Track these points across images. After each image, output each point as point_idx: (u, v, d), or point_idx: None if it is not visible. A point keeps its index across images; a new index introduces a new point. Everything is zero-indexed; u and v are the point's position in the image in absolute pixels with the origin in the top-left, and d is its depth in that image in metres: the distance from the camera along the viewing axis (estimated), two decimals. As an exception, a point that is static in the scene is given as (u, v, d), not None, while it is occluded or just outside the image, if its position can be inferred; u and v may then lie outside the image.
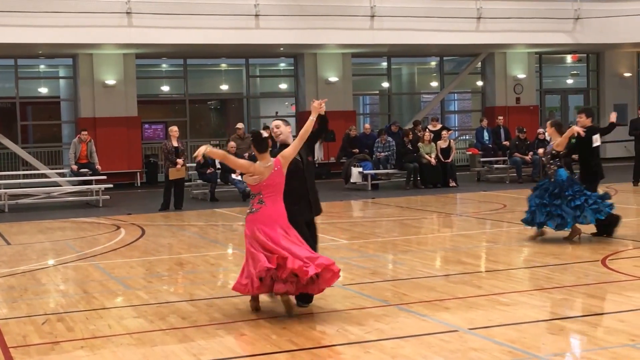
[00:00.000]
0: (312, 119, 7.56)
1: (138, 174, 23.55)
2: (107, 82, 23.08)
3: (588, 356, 6.12)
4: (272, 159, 7.41)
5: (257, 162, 7.39)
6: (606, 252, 10.05)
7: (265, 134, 7.95)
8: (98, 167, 19.45)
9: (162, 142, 18.58)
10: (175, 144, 16.81)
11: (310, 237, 7.77)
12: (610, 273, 8.84)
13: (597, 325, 6.75)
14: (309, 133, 7.55)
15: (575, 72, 30.76)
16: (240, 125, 20.96)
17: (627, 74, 28.97)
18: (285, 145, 7.72)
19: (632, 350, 5.93)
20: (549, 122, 12.02)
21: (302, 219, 7.68)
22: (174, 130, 17.07)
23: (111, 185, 18.78)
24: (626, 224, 13.12)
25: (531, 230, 11.64)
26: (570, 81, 30.96)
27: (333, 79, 25.26)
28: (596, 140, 11.89)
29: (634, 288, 8.03)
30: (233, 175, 18.64)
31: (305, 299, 7.60)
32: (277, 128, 7.90)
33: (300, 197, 7.67)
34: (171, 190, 16.86)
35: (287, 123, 7.98)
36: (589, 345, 6.39)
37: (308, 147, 7.80)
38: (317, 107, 7.61)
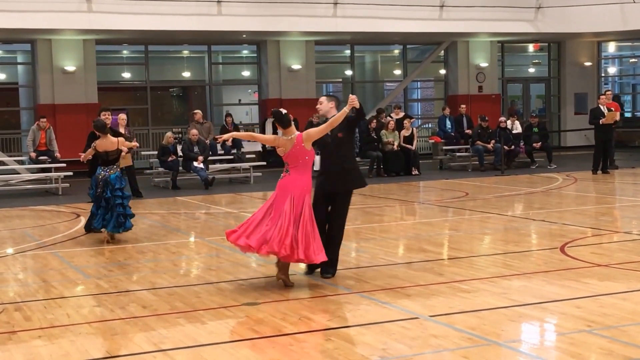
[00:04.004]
0: (346, 110, 8.12)
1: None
2: (66, 68, 22.82)
3: (546, 342, 6.23)
4: (296, 133, 8.16)
5: (282, 136, 8.21)
6: (565, 240, 10.19)
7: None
8: (57, 154, 19.24)
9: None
10: (122, 131, 16.64)
11: (332, 209, 8.34)
12: (568, 260, 8.97)
13: (555, 311, 6.86)
14: (339, 122, 8.13)
15: (536, 61, 31.03)
16: (197, 111, 20.83)
17: (587, 63, 29.30)
18: (325, 119, 8.41)
19: (588, 336, 6.03)
20: None
21: (321, 190, 8.36)
22: (121, 118, 16.84)
23: (71, 173, 18.59)
24: (585, 212, 13.34)
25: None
26: (531, 70, 31.23)
27: (296, 66, 25.23)
28: None
29: (591, 275, 8.17)
30: (195, 163, 18.57)
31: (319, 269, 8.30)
32: (320, 104, 8.54)
33: (324, 170, 8.43)
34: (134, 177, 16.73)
35: (331, 99, 8.55)
36: (547, 332, 6.50)
37: (347, 126, 8.32)
38: (352, 102, 8.12)
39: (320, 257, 7.89)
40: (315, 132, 8.18)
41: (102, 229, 11.33)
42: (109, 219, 11.12)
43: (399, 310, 6.99)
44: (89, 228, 11.95)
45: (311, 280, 8.38)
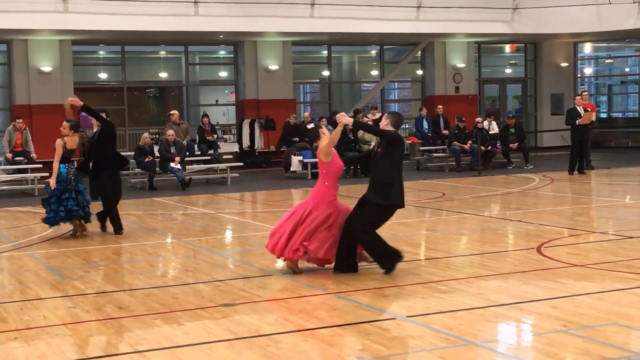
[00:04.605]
0: (338, 129, 8.66)
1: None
2: (42, 68, 22.66)
3: (523, 342, 6.26)
4: (320, 145, 8.71)
5: None
6: (541, 240, 10.25)
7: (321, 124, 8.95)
8: (33, 155, 19.11)
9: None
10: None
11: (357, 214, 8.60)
12: (545, 260, 9.02)
13: (532, 311, 6.89)
14: (336, 137, 8.72)
15: (513, 61, 31.20)
16: (173, 111, 20.75)
17: (564, 64, 29.50)
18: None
19: (564, 336, 6.07)
20: None
21: (361, 197, 8.70)
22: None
23: (47, 174, 18.42)
24: (561, 212, 13.43)
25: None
26: (508, 71, 31.40)
27: (273, 67, 25.21)
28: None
29: (567, 275, 8.22)
30: (172, 164, 18.51)
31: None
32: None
33: (369, 182, 8.67)
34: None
35: (387, 117, 8.84)
36: (523, 332, 6.54)
37: (386, 143, 8.60)
38: (338, 121, 8.62)
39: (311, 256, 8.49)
40: (323, 146, 8.65)
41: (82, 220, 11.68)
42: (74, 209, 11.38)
43: (377, 311, 7.00)
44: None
45: (288, 282, 8.37)
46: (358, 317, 6.83)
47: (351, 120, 8.76)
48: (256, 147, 24.43)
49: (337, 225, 8.52)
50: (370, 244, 8.53)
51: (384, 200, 8.49)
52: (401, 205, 8.66)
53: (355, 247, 8.57)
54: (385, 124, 8.73)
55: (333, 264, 8.56)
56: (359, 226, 8.44)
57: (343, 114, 8.85)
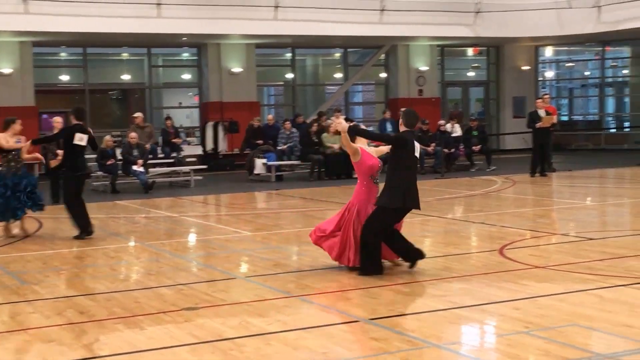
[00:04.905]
0: (343, 134, 8.76)
1: (36, 165, 22.90)
2: (2, 70, 22.38)
3: (485, 344, 6.29)
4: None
5: None
6: (504, 242, 10.31)
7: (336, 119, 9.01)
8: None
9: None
10: None
11: None
12: (507, 262, 9.08)
13: (494, 313, 6.93)
14: (345, 142, 8.85)
15: (476, 64, 31.44)
16: (137, 114, 20.59)
17: (525, 67, 29.78)
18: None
19: (526, 337, 6.11)
20: None
21: None
22: (57, 121, 16.52)
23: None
24: (523, 214, 13.53)
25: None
26: (471, 74, 31.63)
27: (237, 69, 25.14)
28: None
29: (529, 276, 8.28)
30: (134, 167, 18.37)
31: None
32: None
33: None
34: (58, 181, 16.42)
35: (402, 117, 8.83)
36: (486, 333, 6.56)
37: (391, 147, 8.74)
38: (333, 128, 8.88)
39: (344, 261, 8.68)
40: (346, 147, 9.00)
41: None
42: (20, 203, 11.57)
43: (340, 314, 7.00)
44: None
45: (251, 285, 8.34)
46: (321, 320, 6.82)
47: (347, 126, 8.71)
48: (220, 149, 24.35)
49: (348, 226, 8.62)
50: (364, 243, 8.51)
51: (386, 203, 8.49)
52: (403, 208, 8.55)
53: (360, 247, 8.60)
54: (400, 122, 8.79)
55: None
56: (365, 228, 8.48)
57: (340, 120, 8.91)
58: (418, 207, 8.65)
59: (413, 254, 8.70)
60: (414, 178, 8.60)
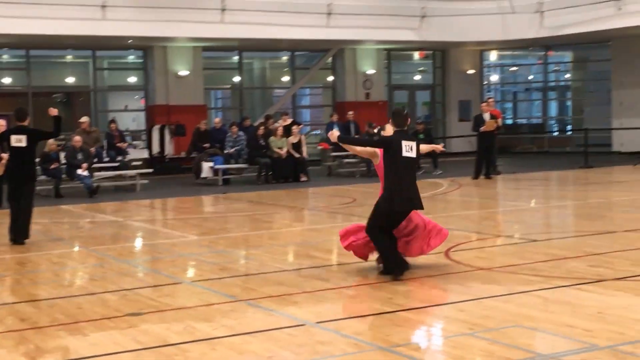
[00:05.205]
0: (345, 145, 9.02)
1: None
2: (-58, 72, 21.90)
3: (431, 346, 6.31)
4: None
5: None
6: (449, 245, 10.35)
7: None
8: None
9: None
10: None
11: None
12: (452, 264, 9.14)
13: (439, 315, 6.97)
14: (349, 148, 9.12)
15: (422, 68, 31.68)
16: (84, 119, 20.29)
17: (471, 71, 30.10)
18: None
19: (470, 339, 6.15)
20: None
21: None
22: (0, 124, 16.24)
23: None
24: (468, 217, 13.66)
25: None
26: (417, 77, 31.85)
27: (183, 72, 24.96)
28: None
29: (474, 278, 8.35)
30: (79, 171, 18.10)
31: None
32: None
33: None
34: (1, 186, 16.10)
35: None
36: (431, 335, 6.59)
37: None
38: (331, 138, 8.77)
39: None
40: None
41: None
42: None
43: (286, 317, 6.97)
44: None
45: (196, 289, 8.27)
46: (267, 324, 6.78)
47: (337, 136, 8.73)
48: (166, 153, 24.14)
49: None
50: (375, 247, 8.59)
51: (377, 206, 8.53)
52: (388, 210, 8.44)
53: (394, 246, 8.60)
54: (390, 124, 8.78)
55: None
56: (366, 230, 8.58)
57: (332, 131, 8.85)
58: (410, 208, 8.48)
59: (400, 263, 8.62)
60: (407, 179, 8.42)
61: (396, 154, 8.40)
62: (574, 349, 5.81)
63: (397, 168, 8.41)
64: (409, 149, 8.44)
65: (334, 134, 8.75)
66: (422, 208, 8.60)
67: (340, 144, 8.89)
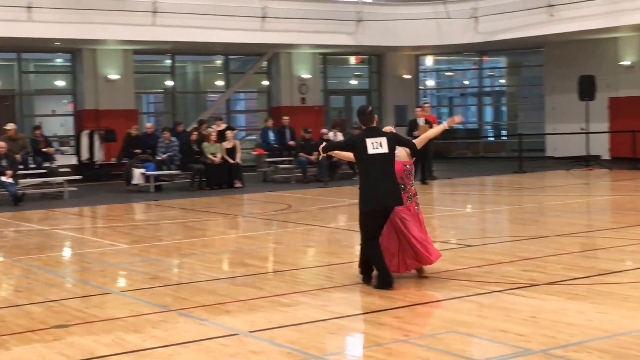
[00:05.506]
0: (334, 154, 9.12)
1: None
2: None
3: (365, 353, 6.33)
4: None
5: None
6: (385, 250, 10.44)
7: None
8: None
9: None
10: None
11: None
12: (388, 270, 9.18)
13: (374, 322, 7.00)
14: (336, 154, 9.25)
15: (358, 73, 31.87)
16: (9, 125, 19.88)
17: (406, 76, 30.38)
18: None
19: (405, 345, 6.19)
20: None
21: None
22: None
23: None
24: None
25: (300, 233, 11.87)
26: (353, 82, 32.04)
27: (114, 76, 24.66)
28: None
29: (409, 284, 8.33)
30: (3, 178, 17.72)
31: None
32: None
33: None
34: None
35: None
36: (366, 343, 6.62)
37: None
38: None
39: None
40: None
41: None
42: None
43: (218, 327, 6.92)
44: None
45: (126, 299, 8.17)
46: (199, 334, 6.73)
47: (321, 146, 8.77)
48: (96, 159, 23.81)
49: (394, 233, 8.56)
50: (367, 253, 8.45)
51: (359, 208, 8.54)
52: (363, 210, 8.42)
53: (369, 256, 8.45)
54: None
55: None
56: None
57: (323, 144, 8.83)
58: (382, 206, 8.33)
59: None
60: (379, 177, 8.28)
61: (362, 153, 8.36)
62: (508, 354, 5.90)
63: (366, 167, 8.38)
64: (377, 145, 8.34)
65: (322, 146, 8.75)
66: (398, 204, 8.39)
67: (327, 153, 8.88)
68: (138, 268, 10.00)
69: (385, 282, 8.18)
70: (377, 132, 8.47)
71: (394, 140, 8.45)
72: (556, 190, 18.78)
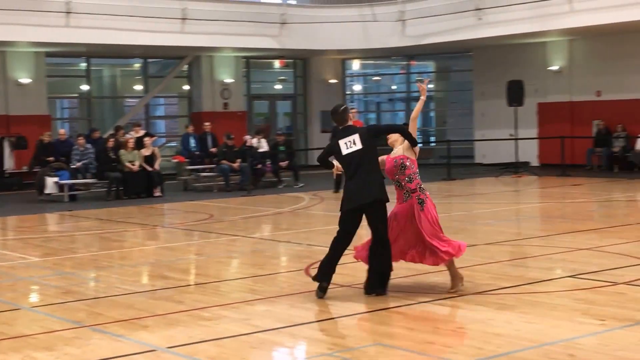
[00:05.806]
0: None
1: None
2: None
3: (288, 368, 6.35)
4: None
5: None
6: (310, 261, 10.46)
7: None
8: None
9: None
10: None
11: None
12: (312, 282, 9.13)
13: (298, 335, 7.01)
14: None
15: (282, 77, 31.90)
16: None
17: (332, 81, 30.53)
18: None
19: (330, 359, 6.21)
20: None
21: None
22: None
23: None
24: (331, 232, 13.77)
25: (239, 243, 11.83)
26: (278, 87, 32.05)
27: (25, 80, 24.18)
28: None
29: (334, 296, 8.38)
30: None
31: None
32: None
33: None
34: None
35: None
36: (288, 357, 6.63)
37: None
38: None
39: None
40: None
41: None
42: None
43: (134, 343, 6.84)
44: None
45: (37, 316, 8.01)
46: (114, 350, 6.64)
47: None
48: (5, 167, 23.30)
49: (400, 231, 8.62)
50: (333, 241, 8.57)
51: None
52: (340, 209, 8.47)
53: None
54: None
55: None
56: None
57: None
58: (357, 204, 8.29)
59: (373, 282, 8.49)
60: (355, 176, 8.26)
61: (339, 155, 8.44)
62: (434, 366, 5.98)
63: (345, 168, 8.44)
64: (350, 144, 8.34)
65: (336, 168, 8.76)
66: (378, 198, 8.29)
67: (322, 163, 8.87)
68: (51, 282, 9.82)
69: (317, 277, 8.41)
70: (350, 131, 8.43)
71: (370, 133, 8.47)
72: (485, 197, 19.11)
